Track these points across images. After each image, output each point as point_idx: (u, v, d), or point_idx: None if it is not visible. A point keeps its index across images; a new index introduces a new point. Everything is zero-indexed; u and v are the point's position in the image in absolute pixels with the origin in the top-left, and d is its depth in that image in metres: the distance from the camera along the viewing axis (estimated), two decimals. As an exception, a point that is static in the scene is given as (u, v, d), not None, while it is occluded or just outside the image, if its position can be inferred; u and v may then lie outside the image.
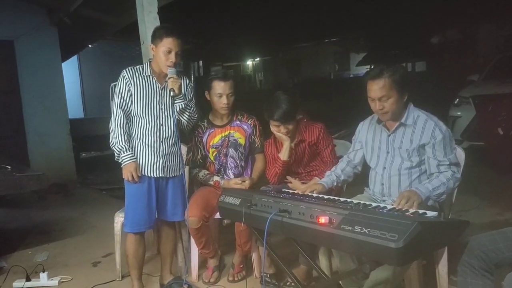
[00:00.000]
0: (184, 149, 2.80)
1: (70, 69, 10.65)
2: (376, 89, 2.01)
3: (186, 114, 2.50)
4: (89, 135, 7.73)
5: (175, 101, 2.42)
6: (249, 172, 2.77)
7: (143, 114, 2.42)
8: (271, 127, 2.56)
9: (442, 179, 1.98)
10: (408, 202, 1.80)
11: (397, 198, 1.89)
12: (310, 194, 2.17)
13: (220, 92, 2.60)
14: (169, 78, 2.38)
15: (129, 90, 2.40)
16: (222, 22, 9.76)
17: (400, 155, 2.12)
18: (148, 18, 3.29)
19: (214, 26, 9.99)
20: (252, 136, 2.75)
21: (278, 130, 2.51)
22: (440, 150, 2.02)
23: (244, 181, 2.59)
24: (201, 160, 2.76)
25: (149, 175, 2.45)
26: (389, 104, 2.01)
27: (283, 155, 2.54)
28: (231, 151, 2.71)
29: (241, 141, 2.72)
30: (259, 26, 10.44)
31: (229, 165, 2.73)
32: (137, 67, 2.46)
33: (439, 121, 2.08)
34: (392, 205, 1.87)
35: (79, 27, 6.46)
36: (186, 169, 2.79)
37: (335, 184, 2.31)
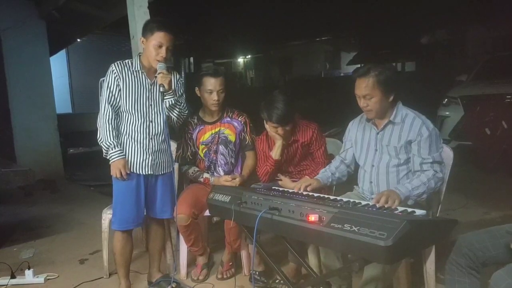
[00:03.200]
0: (173, 145, 2.78)
1: (58, 63, 10.49)
2: (361, 87, 2.05)
3: (176, 111, 2.46)
4: (77, 131, 7.64)
5: (165, 97, 2.38)
6: (239, 169, 2.76)
7: (132, 110, 2.37)
8: (267, 127, 2.52)
9: (423, 179, 2.00)
10: (388, 202, 1.82)
11: (376, 196, 1.90)
12: (300, 192, 2.17)
13: (211, 88, 2.58)
14: (158, 74, 2.33)
15: (118, 85, 2.34)
16: (213, 18, 9.71)
17: (388, 153, 2.14)
18: (138, 13, 3.27)
19: (205, 22, 9.94)
20: (243, 133, 2.74)
21: (276, 131, 2.48)
22: (425, 147, 2.04)
23: (234, 179, 2.57)
24: (191, 157, 2.74)
25: (138, 173, 2.41)
26: (373, 102, 2.05)
27: (275, 154, 2.52)
28: (221, 148, 2.70)
29: (231, 138, 2.71)
30: (251, 23, 10.43)
31: (219, 162, 2.71)
32: (126, 61, 2.40)
33: (427, 119, 2.10)
34: (371, 202, 1.88)
35: (68, 21, 6.38)
36: (176, 166, 2.77)
37: (329, 181, 2.31)
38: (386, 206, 1.80)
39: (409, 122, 2.08)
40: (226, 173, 2.70)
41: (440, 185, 2.09)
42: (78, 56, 11.63)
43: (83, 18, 6.35)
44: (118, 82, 2.35)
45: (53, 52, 7.03)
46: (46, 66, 6.37)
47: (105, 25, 6.83)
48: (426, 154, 2.04)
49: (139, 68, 2.39)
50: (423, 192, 1.98)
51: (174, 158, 2.75)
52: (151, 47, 2.31)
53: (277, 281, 2.59)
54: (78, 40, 9.20)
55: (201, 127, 2.71)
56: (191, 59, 16.80)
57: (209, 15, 9.46)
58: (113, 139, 2.34)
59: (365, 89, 2.03)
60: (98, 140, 2.37)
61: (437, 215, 2.24)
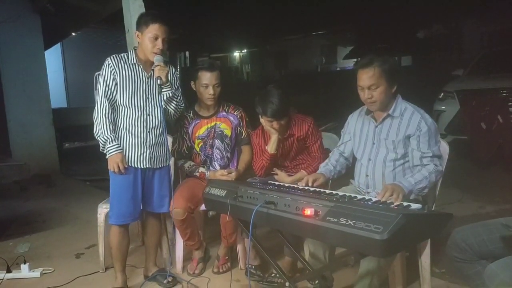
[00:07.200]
0: (169, 139, 2.77)
1: (53, 58, 10.45)
2: (365, 77, 2.03)
3: (174, 103, 2.46)
4: (73, 125, 7.63)
5: (162, 90, 2.37)
6: (235, 163, 2.76)
7: (129, 103, 2.36)
8: (262, 121, 2.52)
9: (425, 173, 2.01)
10: (393, 195, 1.82)
11: (381, 190, 1.90)
12: (296, 186, 2.17)
13: (207, 82, 2.57)
14: (156, 66, 2.33)
15: (114, 79, 2.33)
16: (209, 12, 9.66)
17: (386, 146, 2.14)
18: (133, 6, 3.25)
19: (201, 16, 9.89)
20: (239, 128, 2.73)
21: (271, 125, 2.48)
22: (424, 142, 2.04)
23: (230, 173, 2.57)
24: (186, 151, 2.74)
25: (136, 166, 2.41)
26: (378, 93, 2.04)
27: (271, 148, 2.53)
28: (217, 142, 2.69)
29: (227, 132, 2.70)
30: (246, 17, 10.37)
31: (215, 157, 2.71)
32: (122, 54, 2.40)
33: (425, 113, 2.10)
34: (376, 197, 1.88)
35: (63, 15, 6.33)
36: (172, 160, 2.76)
37: (332, 174, 2.32)
38: (389, 201, 1.78)
39: (408, 117, 2.08)
40: (222, 167, 2.70)
41: (439, 179, 2.10)
42: (73, 50, 11.58)
43: (77, 11, 6.30)
44: (115, 75, 2.33)
45: (47, 46, 6.98)
46: (41, 60, 6.33)
47: (100, 19, 6.77)
48: (426, 148, 2.04)
49: (135, 61, 2.38)
50: (425, 186, 1.99)
51: (170, 152, 2.75)
52: (147, 40, 2.30)
53: (272, 275, 2.59)
54: (73, 34, 9.13)
55: (197, 122, 2.70)
56: (187, 53, 16.73)
57: (204, 9, 9.40)
58: (110, 133, 2.32)
59: (370, 79, 2.02)
60: (95, 134, 2.36)
61: (433, 209, 2.25)
